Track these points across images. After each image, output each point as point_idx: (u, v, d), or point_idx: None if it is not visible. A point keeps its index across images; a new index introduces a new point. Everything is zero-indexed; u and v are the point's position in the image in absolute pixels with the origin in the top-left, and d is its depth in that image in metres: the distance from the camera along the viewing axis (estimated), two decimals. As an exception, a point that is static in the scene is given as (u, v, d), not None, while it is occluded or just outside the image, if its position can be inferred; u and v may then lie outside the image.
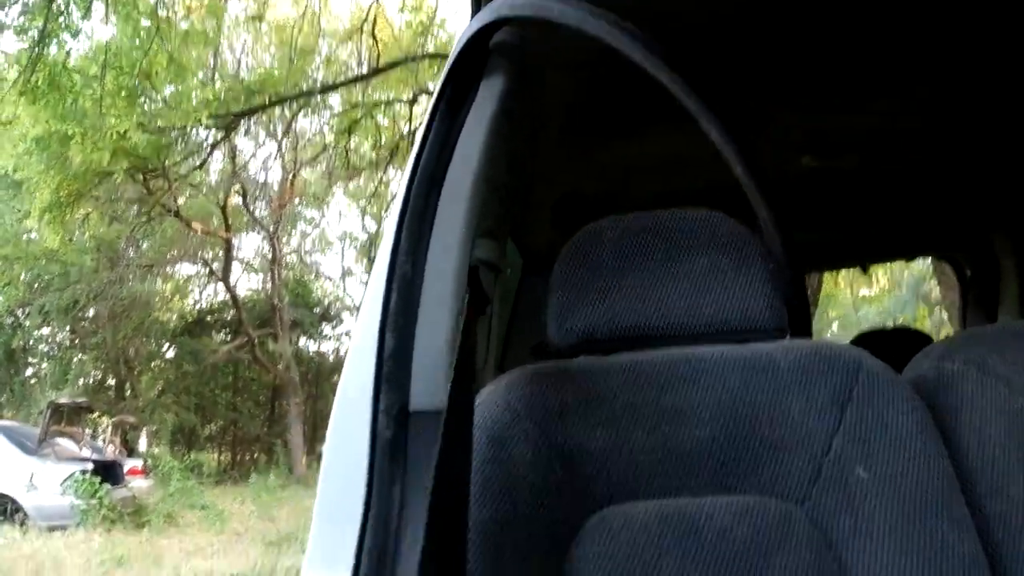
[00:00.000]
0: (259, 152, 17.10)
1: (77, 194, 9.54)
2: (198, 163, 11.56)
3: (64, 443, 9.54)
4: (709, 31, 1.27)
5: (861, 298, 11.98)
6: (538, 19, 0.87)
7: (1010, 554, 0.77)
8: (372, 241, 21.43)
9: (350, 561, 0.79)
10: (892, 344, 2.06)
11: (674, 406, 0.83)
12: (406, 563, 0.78)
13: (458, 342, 0.91)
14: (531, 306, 1.81)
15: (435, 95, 0.96)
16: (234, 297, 15.66)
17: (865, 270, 3.19)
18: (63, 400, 10.89)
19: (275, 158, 15.82)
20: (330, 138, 13.11)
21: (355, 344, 0.95)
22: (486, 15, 0.92)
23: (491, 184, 1.00)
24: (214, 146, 11.30)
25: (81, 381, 16.01)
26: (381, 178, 16.15)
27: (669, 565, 0.74)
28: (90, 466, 8.56)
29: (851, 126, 1.63)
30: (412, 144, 1.00)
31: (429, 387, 0.88)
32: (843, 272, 9.58)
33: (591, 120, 1.47)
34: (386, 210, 19.89)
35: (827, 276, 8.84)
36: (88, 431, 11.12)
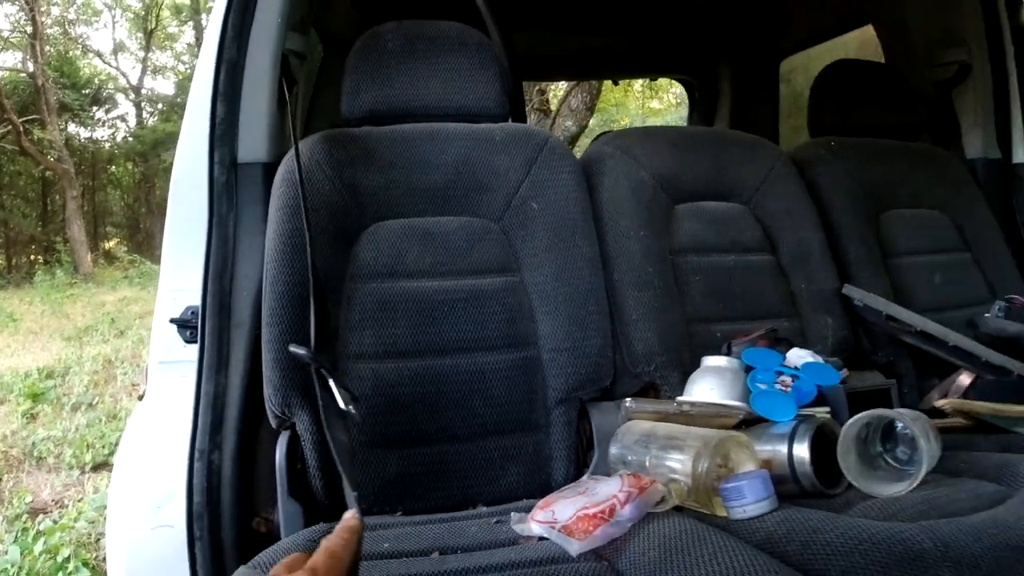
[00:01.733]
0: None
1: None
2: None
3: None
4: None
5: (649, 109, 13.04)
6: None
7: (614, 256, 1.30)
8: (148, 11, 18.91)
9: (199, 272, 1.16)
10: None
11: (422, 160, 1.25)
12: (241, 266, 1.17)
13: (273, 113, 1.25)
14: (329, 82, 2.11)
15: None
16: (-10, 78, 13.49)
17: (616, 83, 3.74)
18: None
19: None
20: None
21: (189, 113, 1.26)
22: None
23: None
24: None
25: None
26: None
27: (411, 254, 1.20)
28: None
29: None
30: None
31: (252, 145, 1.23)
32: (635, 87, 10.47)
33: None
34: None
35: (621, 88, 9.59)
36: None
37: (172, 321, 1.19)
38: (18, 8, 14.81)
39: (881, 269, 1.54)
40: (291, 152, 1.20)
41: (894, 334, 1.43)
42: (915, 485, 0.91)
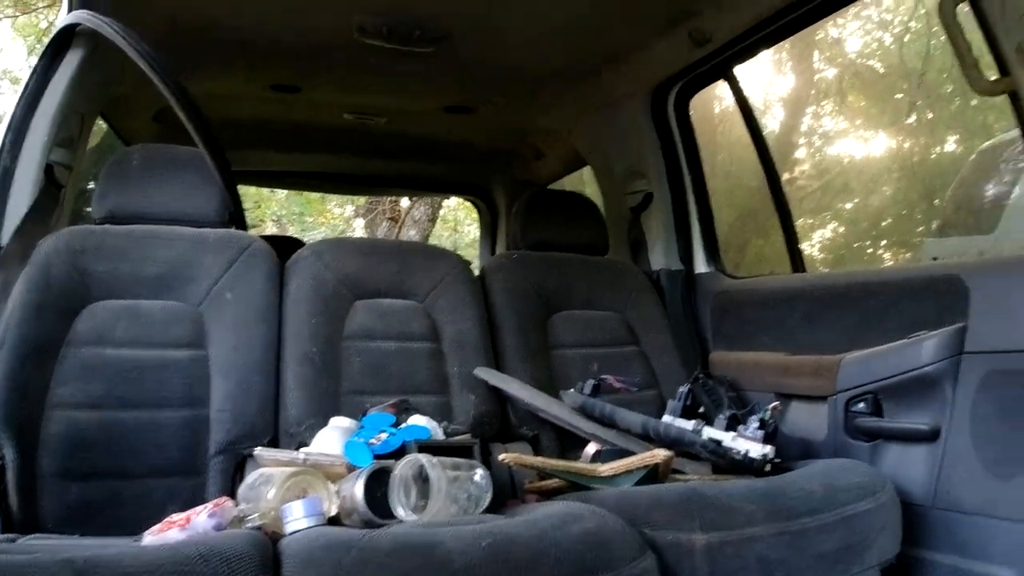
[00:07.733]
0: None
1: None
2: None
3: None
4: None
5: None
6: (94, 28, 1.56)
7: (287, 337, 1.65)
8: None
9: None
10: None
11: (146, 255, 1.60)
12: None
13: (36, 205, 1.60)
14: None
15: (41, 56, 1.60)
16: None
17: (410, 198, 4.21)
18: None
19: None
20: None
21: None
22: (71, 17, 1.58)
23: (73, 113, 1.66)
24: None
25: None
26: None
27: (119, 328, 1.52)
28: None
29: (379, 100, 2.47)
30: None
31: (11, 229, 1.55)
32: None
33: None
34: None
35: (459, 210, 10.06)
36: None
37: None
38: None
39: (534, 358, 1.90)
40: (41, 241, 1.55)
41: (534, 411, 1.76)
42: (430, 515, 1.22)
